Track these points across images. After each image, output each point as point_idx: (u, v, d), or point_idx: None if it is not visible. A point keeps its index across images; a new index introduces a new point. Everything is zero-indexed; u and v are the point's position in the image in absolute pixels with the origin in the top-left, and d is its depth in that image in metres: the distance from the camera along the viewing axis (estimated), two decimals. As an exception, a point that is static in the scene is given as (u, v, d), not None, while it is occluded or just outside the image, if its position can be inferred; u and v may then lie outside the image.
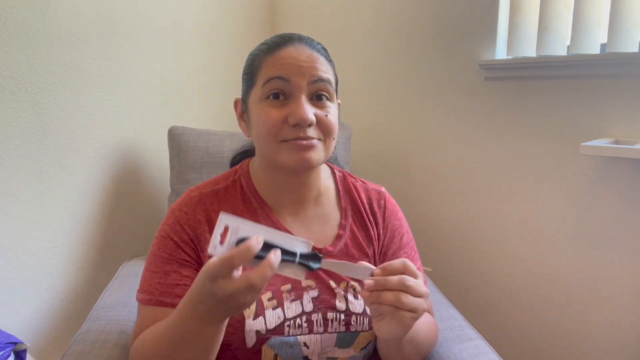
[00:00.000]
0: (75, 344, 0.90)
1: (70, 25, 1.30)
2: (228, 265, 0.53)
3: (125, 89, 1.44)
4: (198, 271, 0.74)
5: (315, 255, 0.59)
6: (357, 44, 1.68)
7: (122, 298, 1.09)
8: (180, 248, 0.74)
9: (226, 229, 0.56)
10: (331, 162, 0.91)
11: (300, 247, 0.59)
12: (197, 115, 1.67)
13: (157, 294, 0.72)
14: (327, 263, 0.59)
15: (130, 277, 1.22)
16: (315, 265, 0.59)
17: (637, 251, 1.18)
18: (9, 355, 1.07)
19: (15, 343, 1.10)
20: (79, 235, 1.38)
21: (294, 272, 0.59)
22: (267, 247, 0.56)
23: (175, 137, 1.42)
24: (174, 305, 0.70)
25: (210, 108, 1.71)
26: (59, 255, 1.34)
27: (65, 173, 1.33)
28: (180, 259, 0.74)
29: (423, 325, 0.75)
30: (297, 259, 0.58)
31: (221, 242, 0.56)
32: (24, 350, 1.12)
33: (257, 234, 0.55)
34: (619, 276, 1.21)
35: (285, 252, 0.57)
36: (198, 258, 0.75)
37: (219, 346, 0.63)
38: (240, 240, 0.56)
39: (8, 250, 1.24)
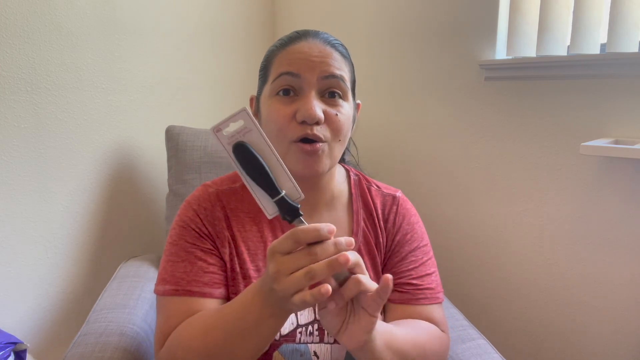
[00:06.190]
0: (75, 346, 0.89)
1: (70, 25, 1.30)
2: (290, 239, 0.50)
3: (124, 89, 1.44)
4: (222, 260, 0.72)
5: (295, 209, 0.55)
6: (357, 44, 1.67)
7: (121, 299, 1.08)
8: (203, 238, 0.72)
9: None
10: (351, 165, 0.89)
11: (290, 190, 0.55)
12: (195, 115, 1.66)
13: (184, 284, 0.68)
14: (300, 222, 0.55)
15: (129, 277, 1.22)
16: (287, 217, 0.55)
17: (638, 251, 1.18)
18: (9, 355, 1.07)
19: (15, 343, 1.10)
20: (78, 235, 1.38)
21: (265, 205, 0.55)
22: (260, 170, 0.54)
23: (173, 137, 1.41)
24: (203, 295, 0.67)
25: (208, 108, 1.70)
26: (58, 255, 1.34)
27: (64, 173, 1.33)
28: (204, 248, 0.71)
29: (405, 332, 0.67)
30: (276, 198, 0.54)
31: (221, 130, 0.53)
32: (24, 350, 1.12)
33: (263, 150, 0.54)
34: (620, 276, 1.21)
35: (271, 183, 0.54)
36: (219, 253, 0.73)
37: (270, 342, 0.60)
38: (239, 147, 0.53)
39: (8, 250, 1.24)
